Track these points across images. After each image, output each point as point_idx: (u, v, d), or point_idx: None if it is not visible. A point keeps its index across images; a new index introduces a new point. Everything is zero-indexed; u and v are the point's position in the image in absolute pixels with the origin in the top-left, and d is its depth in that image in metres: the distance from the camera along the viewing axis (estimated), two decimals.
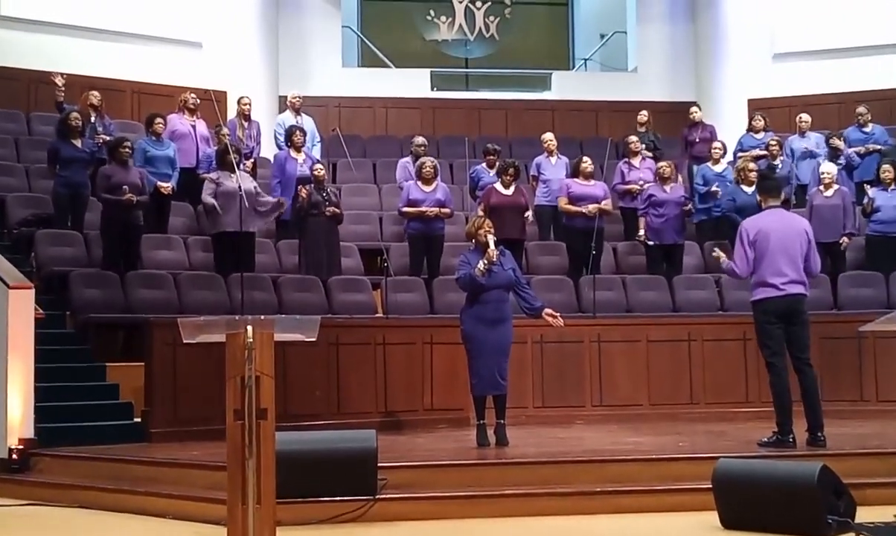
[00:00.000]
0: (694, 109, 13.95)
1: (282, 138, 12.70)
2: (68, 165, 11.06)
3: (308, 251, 11.13)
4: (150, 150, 11.56)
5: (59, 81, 12.27)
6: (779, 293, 7.45)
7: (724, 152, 12.79)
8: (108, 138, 11.60)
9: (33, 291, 8.49)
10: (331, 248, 11.18)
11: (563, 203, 11.75)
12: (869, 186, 11.99)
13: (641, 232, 11.82)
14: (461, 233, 11.72)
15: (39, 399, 8.26)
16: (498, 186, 11.32)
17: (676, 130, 14.18)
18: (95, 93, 12.28)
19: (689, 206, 12.11)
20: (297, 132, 12.32)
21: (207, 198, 10.86)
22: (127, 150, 10.71)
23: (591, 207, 11.47)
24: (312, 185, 11.30)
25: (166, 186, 11.34)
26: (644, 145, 12.94)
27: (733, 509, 6.05)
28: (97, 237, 10.71)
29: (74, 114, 11.39)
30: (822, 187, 11.70)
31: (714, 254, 8.21)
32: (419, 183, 11.58)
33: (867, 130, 13.42)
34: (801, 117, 13.50)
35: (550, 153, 12.65)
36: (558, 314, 8.25)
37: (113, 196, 10.43)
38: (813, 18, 16.11)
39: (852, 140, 13.32)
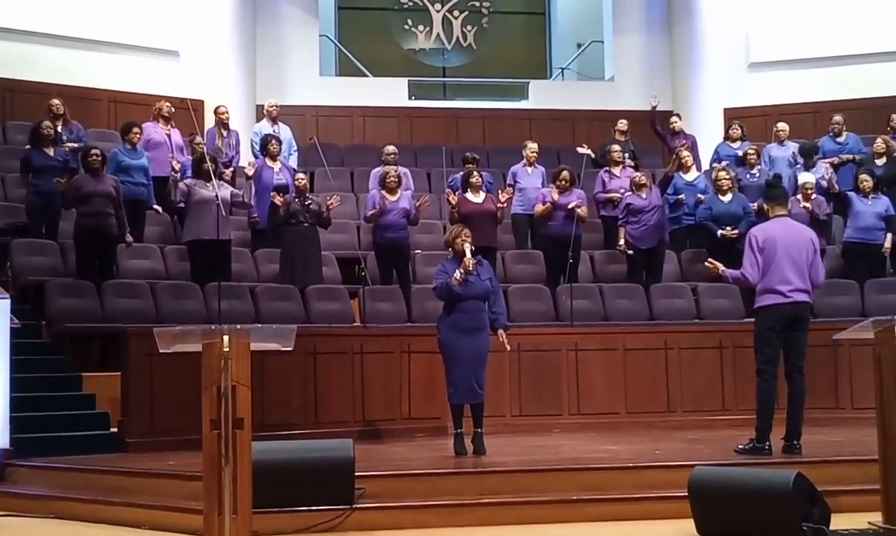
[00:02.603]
0: (674, 118, 14.01)
1: (257, 147, 12.70)
2: (41, 174, 11.01)
3: (286, 260, 11.11)
4: (123, 159, 11.52)
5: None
6: (786, 300, 7.50)
7: (694, 161, 12.84)
8: (76, 146, 11.57)
9: (9, 300, 8.44)
10: (310, 257, 11.15)
11: (539, 210, 11.77)
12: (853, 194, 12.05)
13: (622, 242, 11.83)
14: (437, 242, 11.74)
15: (15, 409, 8.20)
16: (468, 194, 11.32)
17: (649, 137, 14.24)
18: (56, 101, 12.24)
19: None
20: (273, 141, 12.31)
21: (176, 194, 11.11)
22: (96, 158, 10.64)
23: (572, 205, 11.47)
24: (293, 194, 11.29)
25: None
26: (626, 154, 12.99)
27: (709, 516, 6.07)
28: (72, 246, 10.66)
29: (47, 122, 11.36)
30: (800, 197, 11.76)
31: (709, 264, 8.16)
32: (384, 192, 11.54)
33: (840, 139, 13.53)
34: (778, 126, 13.59)
35: (529, 163, 12.67)
36: (507, 342, 8.25)
37: (61, 190, 10.46)
38: (788, 28, 16.22)
39: (826, 150, 13.42)
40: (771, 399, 7.58)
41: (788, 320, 7.54)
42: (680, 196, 12.31)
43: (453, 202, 11.22)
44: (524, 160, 12.73)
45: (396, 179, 11.58)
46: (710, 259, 8.34)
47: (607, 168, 12.78)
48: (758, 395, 7.63)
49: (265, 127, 13.24)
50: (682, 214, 12.36)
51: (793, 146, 13.30)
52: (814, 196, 11.86)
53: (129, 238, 10.88)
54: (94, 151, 10.76)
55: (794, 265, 7.53)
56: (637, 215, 11.71)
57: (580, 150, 13.36)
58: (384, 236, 11.41)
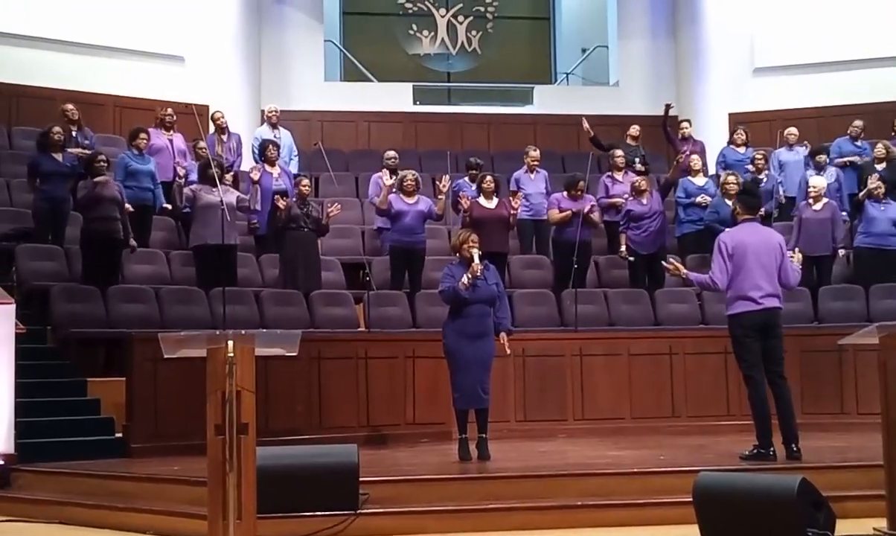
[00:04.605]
0: (684, 124, 14.02)
1: (257, 153, 12.71)
2: (48, 179, 11.04)
3: (286, 265, 11.11)
4: (131, 164, 11.56)
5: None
6: (757, 307, 7.49)
7: (703, 165, 12.83)
8: (84, 152, 11.59)
9: (14, 306, 8.45)
10: (310, 262, 11.15)
11: (554, 216, 11.74)
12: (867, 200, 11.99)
13: (623, 248, 11.83)
14: (444, 246, 11.74)
15: (20, 415, 8.21)
16: (480, 199, 11.31)
17: (658, 143, 14.22)
18: (70, 106, 12.27)
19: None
20: (270, 146, 12.33)
21: (181, 199, 11.20)
22: (102, 164, 10.63)
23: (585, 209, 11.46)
24: (295, 198, 11.29)
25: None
26: (637, 160, 12.98)
27: (713, 522, 6.05)
28: (78, 252, 10.67)
29: (57, 127, 11.38)
30: (810, 201, 11.73)
31: (670, 266, 7.96)
32: (401, 196, 11.53)
33: (858, 144, 13.50)
34: (789, 130, 13.57)
35: (531, 170, 12.67)
36: (507, 346, 8.23)
37: (91, 206, 10.40)
38: (793, 33, 16.23)
39: (844, 151, 13.39)
40: (764, 403, 7.57)
41: (760, 327, 7.53)
42: (699, 200, 12.24)
43: (465, 206, 11.20)
44: (526, 167, 12.72)
45: (414, 183, 11.54)
46: (671, 260, 8.17)
47: (610, 174, 12.78)
48: (751, 402, 7.63)
49: (265, 132, 13.28)
50: (695, 217, 12.29)
51: (803, 151, 13.27)
52: (826, 200, 11.80)
53: (133, 243, 10.88)
54: (100, 156, 10.78)
55: (764, 271, 7.52)
56: (638, 221, 11.71)
57: (585, 126, 13.49)
58: (400, 239, 11.39)
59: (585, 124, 13.71)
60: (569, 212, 11.50)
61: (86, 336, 9.96)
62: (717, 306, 11.27)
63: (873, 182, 11.87)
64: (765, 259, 7.54)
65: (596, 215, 11.67)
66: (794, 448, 7.48)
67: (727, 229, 8.01)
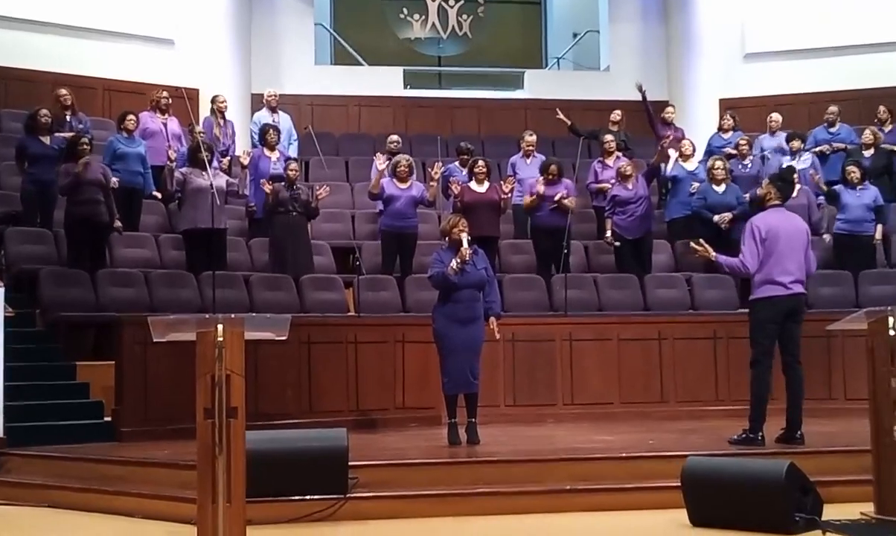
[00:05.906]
0: (669, 109, 14.01)
1: (257, 137, 12.68)
2: (36, 162, 10.99)
3: (276, 249, 11.09)
4: (120, 147, 11.51)
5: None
6: (787, 292, 7.50)
7: (694, 151, 12.83)
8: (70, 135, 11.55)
9: (2, 289, 8.43)
10: (300, 246, 11.13)
11: (526, 201, 11.75)
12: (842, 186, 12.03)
13: (608, 233, 11.82)
14: (435, 231, 11.73)
15: (8, 398, 8.21)
16: (471, 183, 11.29)
17: (645, 128, 14.21)
18: (64, 91, 12.21)
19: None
20: (271, 130, 12.30)
21: (172, 182, 11.03)
22: (84, 147, 10.56)
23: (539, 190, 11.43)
24: (283, 182, 11.27)
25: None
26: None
27: (702, 506, 6.08)
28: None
29: (44, 110, 11.32)
30: None
31: (698, 247, 7.95)
32: (394, 181, 11.52)
33: (833, 130, 13.54)
34: (771, 117, 13.61)
35: (527, 155, 12.65)
36: (497, 330, 8.26)
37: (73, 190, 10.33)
38: (784, 19, 16.21)
39: (819, 140, 13.42)
40: (766, 390, 7.58)
41: (787, 312, 7.54)
42: (693, 187, 12.20)
43: (456, 191, 11.19)
44: (522, 151, 12.70)
45: (407, 168, 11.53)
46: (700, 241, 8.12)
47: (600, 159, 12.78)
48: (753, 386, 7.63)
49: (264, 116, 13.24)
50: (681, 201, 12.29)
51: (783, 136, 13.31)
52: (799, 186, 11.80)
53: (118, 224, 10.82)
54: (82, 139, 10.72)
55: (794, 257, 7.54)
56: (623, 206, 11.71)
57: (559, 115, 13.51)
58: (392, 223, 11.38)
59: (559, 114, 13.72)
60: (535, 197, 11.51)
61: (75, 320, 9.93)
62: (707, 291, 11.36)
63: (815, 176, 12.15)
64: (795, 245, 7.56)
65: (569, 201, 11.60)
66: (799, 435, 7.52)
67: (758, 214, 7.90)
